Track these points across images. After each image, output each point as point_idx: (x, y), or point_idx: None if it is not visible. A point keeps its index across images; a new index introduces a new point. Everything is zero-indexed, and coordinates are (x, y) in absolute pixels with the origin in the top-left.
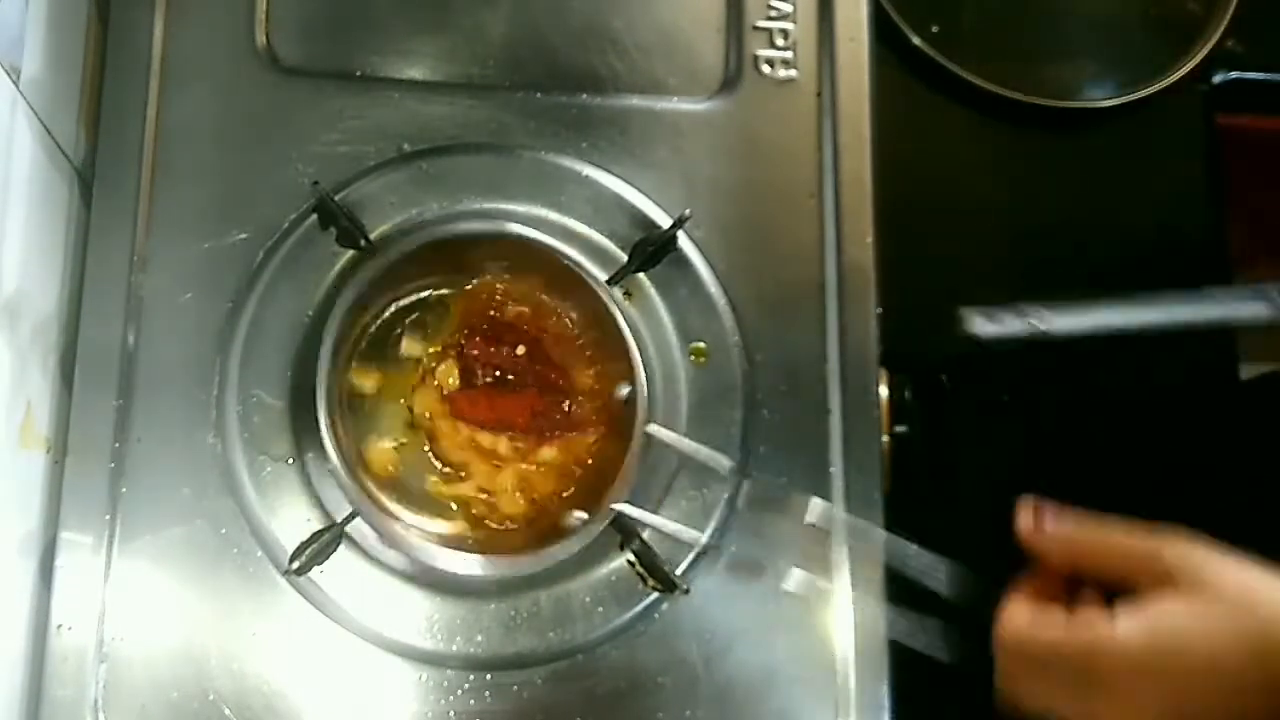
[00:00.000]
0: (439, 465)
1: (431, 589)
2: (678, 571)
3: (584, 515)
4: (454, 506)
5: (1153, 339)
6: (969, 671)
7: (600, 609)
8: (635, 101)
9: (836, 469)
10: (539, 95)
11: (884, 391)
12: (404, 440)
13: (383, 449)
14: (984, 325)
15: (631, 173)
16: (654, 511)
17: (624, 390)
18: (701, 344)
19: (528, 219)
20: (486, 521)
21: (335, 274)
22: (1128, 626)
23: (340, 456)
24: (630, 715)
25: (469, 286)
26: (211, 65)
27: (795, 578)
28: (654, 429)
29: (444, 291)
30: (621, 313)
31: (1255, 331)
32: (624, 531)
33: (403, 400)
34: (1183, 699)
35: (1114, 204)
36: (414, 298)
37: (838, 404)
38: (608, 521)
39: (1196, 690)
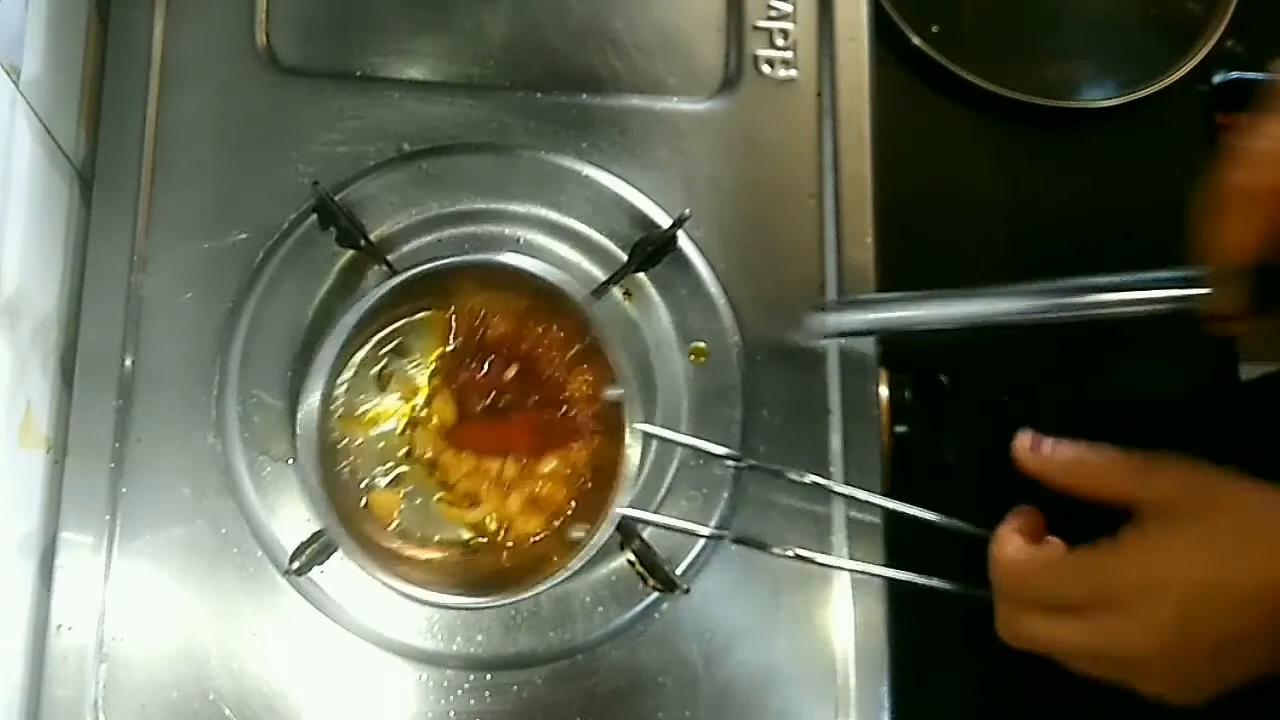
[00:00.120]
0: (448, 495)
1: None
2: (678, 571)
3: (585, 529)
4: (460, 542)
5: (1153, 338)
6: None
7: (600, 609)
8: (635, 101)
9: (837, 469)
10: (539, 95)
11: (884, 391)
12: (405, 471)
13: (386, 495)
14: (831, 320)
15: (631, 173)
16: (655, 510)
17: (612, 393)
18: (701, 344)
19: (527, 219)
20: (504, 542)
21: (335, 274)
22: (1136, 540)
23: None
24: (630, 715)
25: (449, 312)
26: (211, 65)
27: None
28: (644, 427)
29: (421, 315)
30: (602, 327)
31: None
32: (624, 531)
33: (402, 433)
34: (1192, 612)
35: (1114, 204)
36: (391, 328)
37: (838, 404)
38: (612, 528)
39: (1204, 603)
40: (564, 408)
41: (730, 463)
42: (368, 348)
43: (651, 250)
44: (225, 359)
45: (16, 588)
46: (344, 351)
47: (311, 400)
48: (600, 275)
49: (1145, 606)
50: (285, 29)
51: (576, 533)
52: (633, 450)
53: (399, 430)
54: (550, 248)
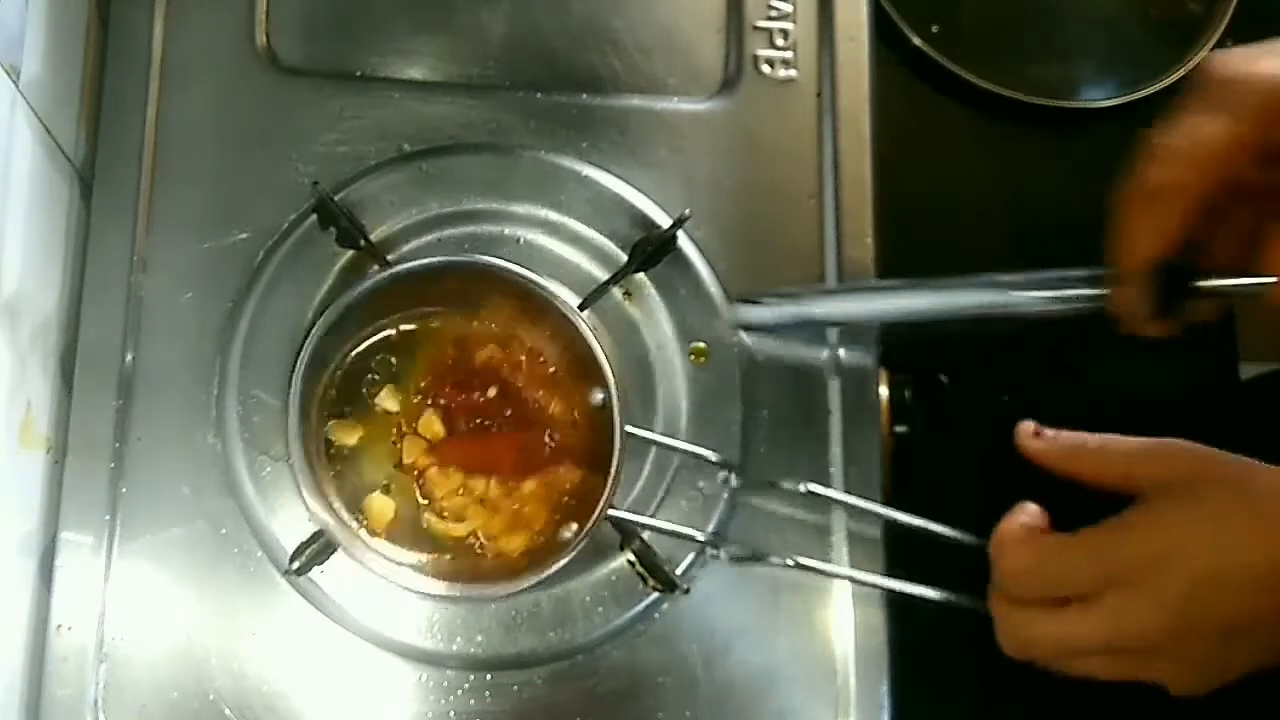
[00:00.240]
0: (433, 508)
1: None
2: (678, 571)
3: (575, 526)
4: (449, 546)
5: (1152, 337)
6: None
7: (600, 609)
8: (635, 101)
9: (836, 469)
10: (539, 95)
11: (884, 391)
12: (393, 483)
13: (380, 499)
14: (751, 312)
15: (631, 173)
16: (653, 513)
17: (598, 396)
18: (701, 344)
19: (527, 219)
20: (485, 555)
21: (335, 274)
22: (1143, 516)
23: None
24: (630, 715)
25: (434, 325)
26: (211, 65)
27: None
28: (633, 429)
29: (408, 328)
30: (595, 337)
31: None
32: (624, 532)
33: (392, 443)
34: (1202, 587)
35: (1114, 204)
36: (374, 339)
37: (838, 404)
38: (596, 527)
39: (1214, 578)
40: (549, 430)
41: (723, 472)
42: (359, 350)
43: (651, 250)
44: (225, 359)
45: (16, 588)
46: (333, 353)
47: (295, 387)
48: (600, 275)
49: (1155, 581)
50: (285, 29)
51: (567, 533)
52: (622, 454)
53: (391, 440)
54: (550, 248)
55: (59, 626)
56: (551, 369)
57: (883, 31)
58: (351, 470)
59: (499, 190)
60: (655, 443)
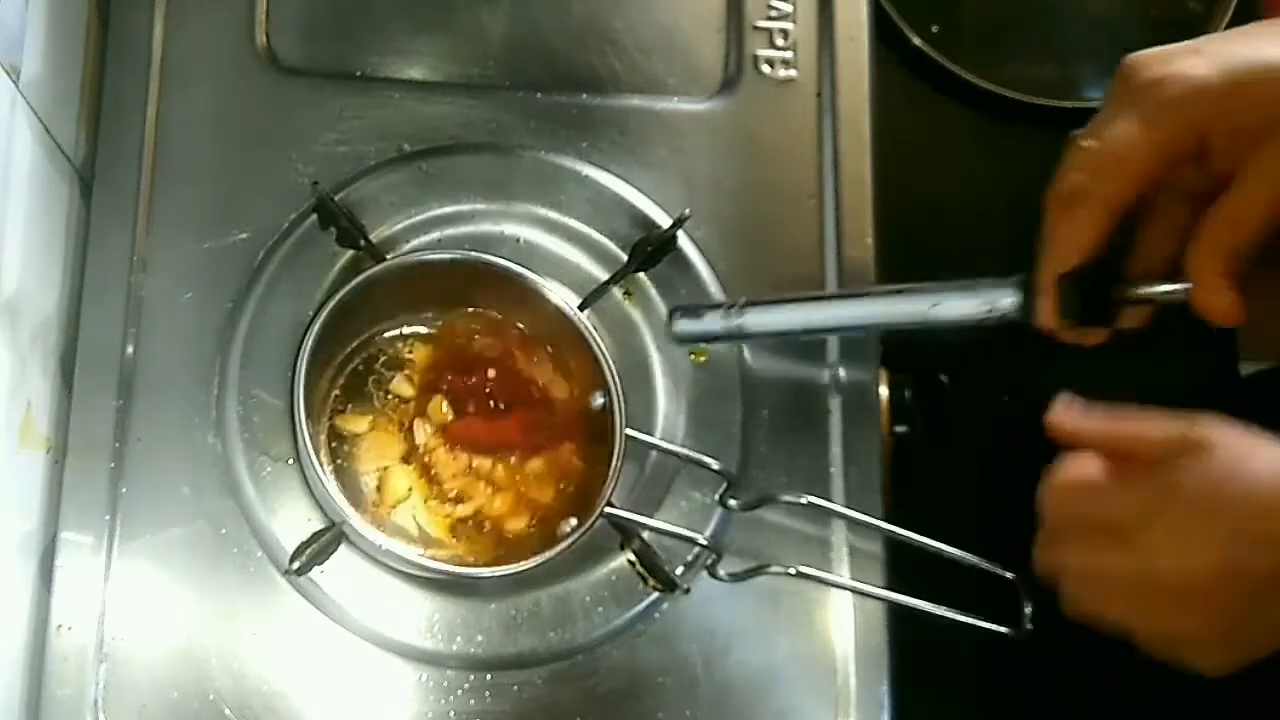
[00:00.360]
0: (437, 493)
1: (431, 589)
2: (678, 571)
3: (574, 521)
4: (452, 530)
5: (1152, 337)
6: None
7: (600, 609)
8: (635, 101)
9: (836, 469)
10: (539, 95)
11: (884, 391)
12: (401, 471)
13: (400, 469)
14: (686, 324)
15: (631, 173)
16: (653, 514)
17: (599, 399)
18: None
19: (527, 218)
20: (486, 538)
21: (335, 274)
22: (1199, 463)
23: (319, 466)
24: (630, 715)
25: (435, 324)
26: (211, 65)
27: None
28: (633, 433)
29: (414, 330)
30: (594, 334)
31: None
32: (624, 531)
33: (399, 432)
34: (1244, 544)
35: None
36: (374, 339)
37: (838, 404)
38: (595, 524)
39: (1262, 530)
40: (548, 408)
41: (722, 486)
42: (359, 349)
43: (651, 250)
44: (225, 359)
45: (16, 588)
46: (336, 350)
47: (301, 364)
48: (600, 275)
49: (1204, 522)
50: (285, 29)
51: (566, 527)
52: (622, 454)
53: (399, 427)
54: (550, 247)
55: (59, 626)
56: (550, 354)
57: (883, 31)
58: (356, 462)
59: (499, 190)
60: (656, 448)
